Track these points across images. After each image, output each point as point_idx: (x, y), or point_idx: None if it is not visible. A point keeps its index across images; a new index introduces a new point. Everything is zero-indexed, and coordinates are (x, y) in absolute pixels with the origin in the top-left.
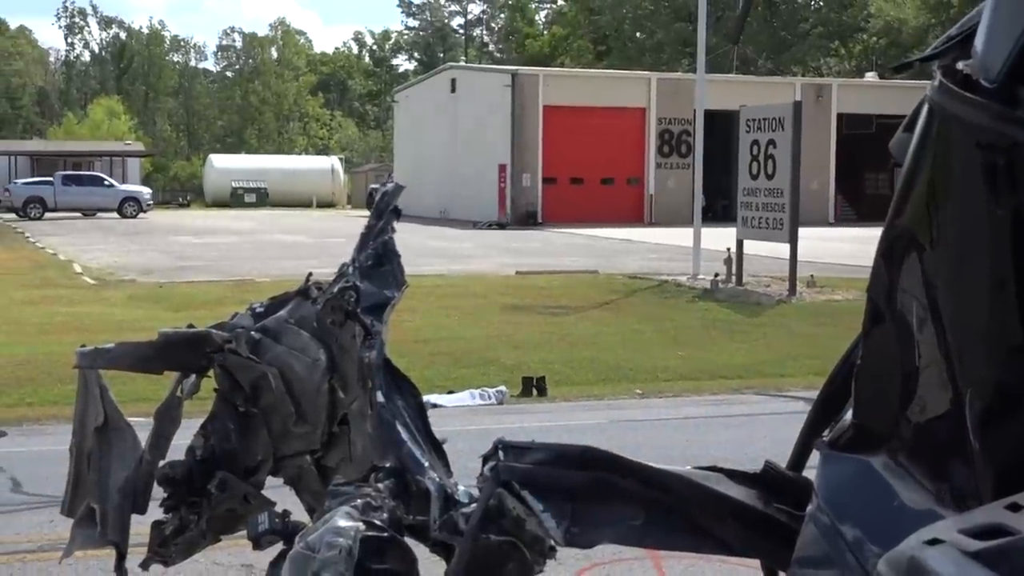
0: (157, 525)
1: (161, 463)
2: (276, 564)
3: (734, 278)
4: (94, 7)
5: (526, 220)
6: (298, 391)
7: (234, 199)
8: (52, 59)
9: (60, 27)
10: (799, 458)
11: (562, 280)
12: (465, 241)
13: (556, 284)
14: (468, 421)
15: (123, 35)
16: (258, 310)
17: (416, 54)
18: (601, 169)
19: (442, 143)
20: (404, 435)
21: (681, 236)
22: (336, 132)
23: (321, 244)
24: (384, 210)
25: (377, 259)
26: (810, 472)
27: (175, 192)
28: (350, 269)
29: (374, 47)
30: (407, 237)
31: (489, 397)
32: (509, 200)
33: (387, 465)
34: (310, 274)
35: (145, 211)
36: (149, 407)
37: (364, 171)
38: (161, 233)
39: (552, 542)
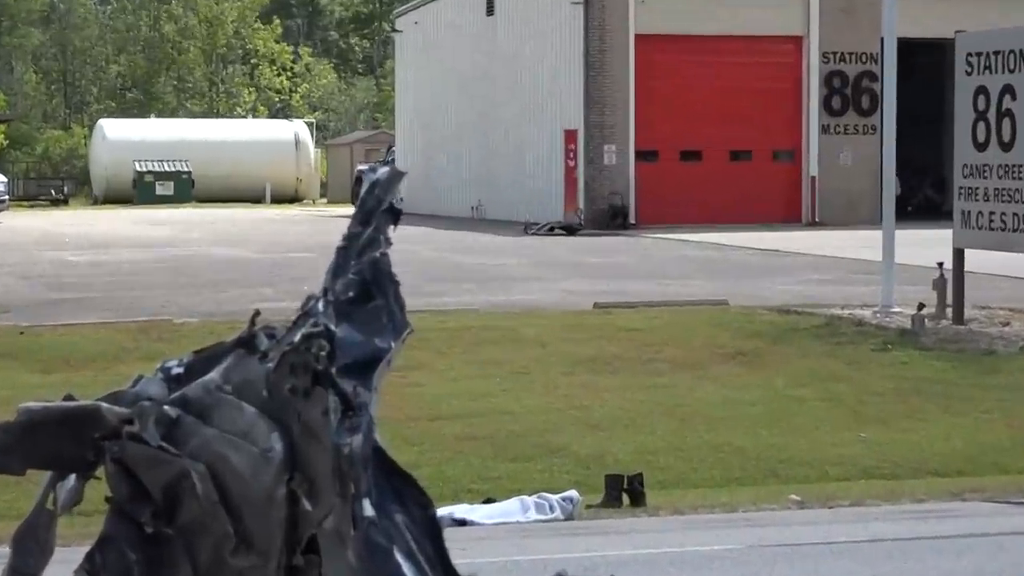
0: None
1: None
2: None
3: (949, 311)
4: None
5: (610, 220)
6: (238, 499)
7: (139, 191)
8: None
9: None
10: None
11: (669, 318)
12: (511, 255)
13: (659, 324)
14: (517, 547)
15: None
16: (176, 371)
17: None
18: (730, 137)
19: (473, 98)
20: (407, 570)
21: (861, 243)
22: (304, 81)
23: (276, 263)
24: (374, 210)
25: (363, 288)
26: None
27: (45, 181)
28: (320, 305)
29: None
30: (415, 250)
31: (551, 508)
32: (582, 188)
33: None
34: (257, 312)
35: None
36: (4, 527)
37: (347, 144)
38: (21, 247)
39: None
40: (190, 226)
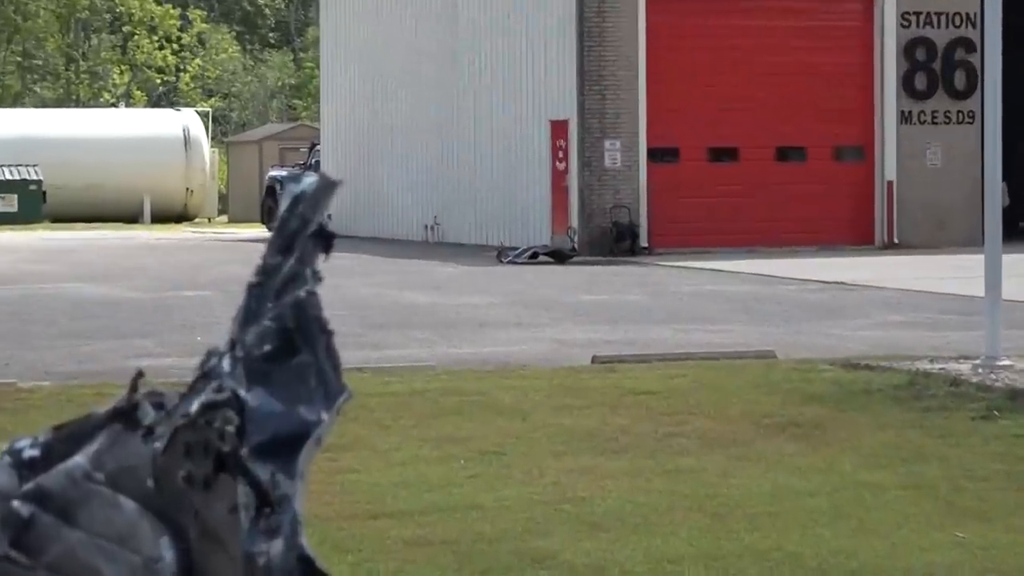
0: None
1: None
2: None
3: None
4: None
5: (614, 244)
6: None
7: None
8: None
9: None
10: None
11: (696, 376)
12: (479, 292)
13: (682, 386)
14: None
15: None
16: (28, 455)
17: None
18: (777, 129)
19: (427, 79)
20: None
21: (956, 272)
22: (196, 57)
23: (160, 305)
24: (297, 233)
25: (284, 340)
26: None
27: None
28: (226, 363)
29: None
30: (351, 287)
31: None
32: (575, 200)
33: None
34: (140, 373)
35: None
36: None
37: (255, 141)
38: None
39: None
40: (40, 255)
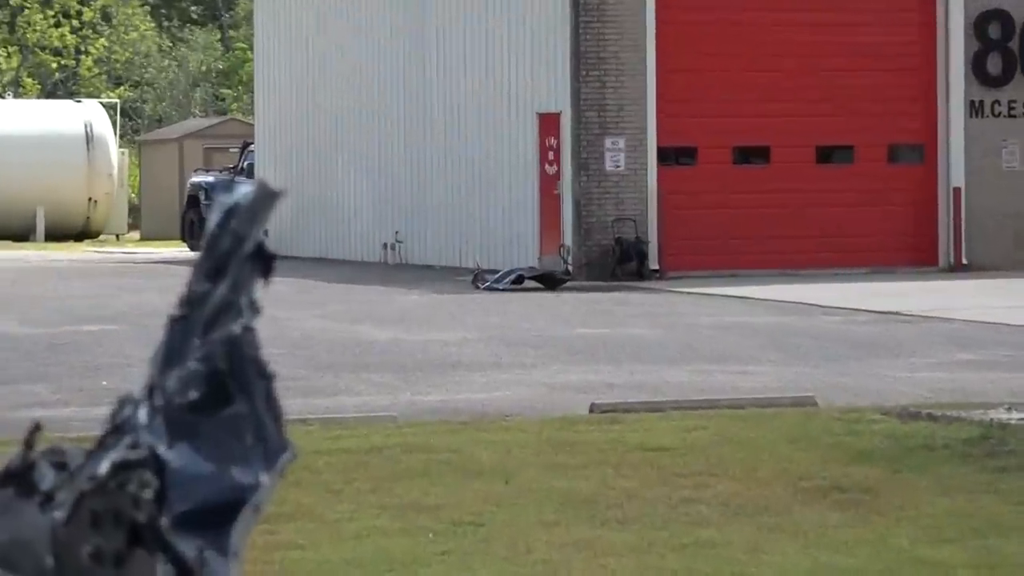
0: None
1: None
2: None
3: None
4: None
5: (616, 266)
6: None
7: None
8: None
9: None
10: None
11: (718, 429)
12: (452, 325)
13: (701, 440)
14: None
15: None
16: None
17: None
18: (818, 124)
19: (389, 65)
20: None
21: None
22: (101, 36)
23: (58, 343)
24: (231, 254)
25: (214, 386)
26: None
27: None
28: (142, 414)
29: None
30: (295, 320)
31: None
32: (569, 213)
33: None
34: (38, 427)
35: None
36: None
37: (175, 139)
38: None
39: None
40: None
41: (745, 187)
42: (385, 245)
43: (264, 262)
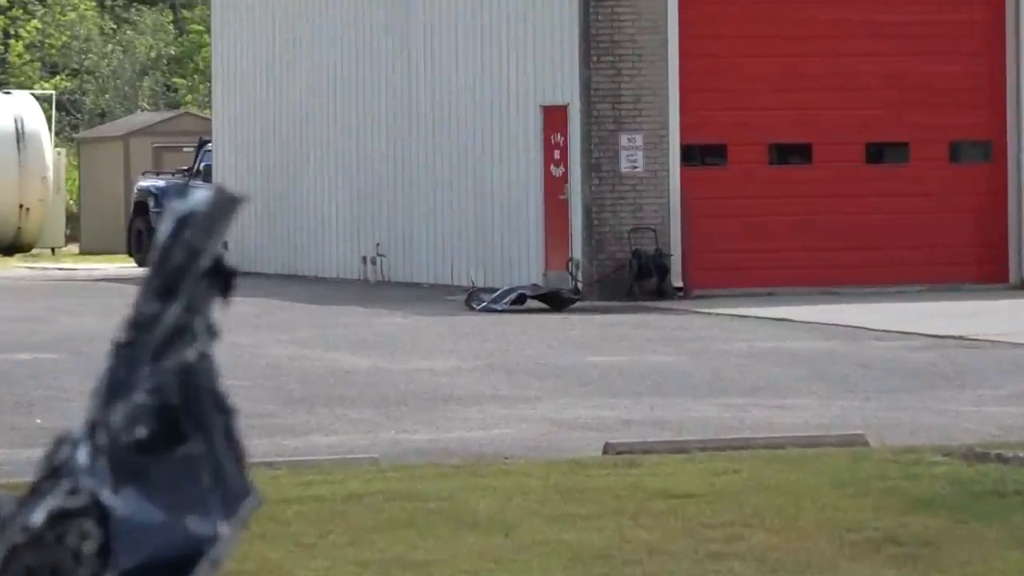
0: None
1: None
2: None
3: None
4: None
5: (634, 282)
6: None
7: None
8: None
9: None
10: None
11: (753, 472)
12: (442, 352)
13: (733, 485)
14: None
15: None
16: None
17: None
18: (867, 118)
19: (368, 50)
20: None
21: None
22: (34, 17)
23: None
24: (184, 270)
25: (164, 422)
26: None
27: None
28: (82, 455)
29: None
30: (259, 346)
31: None
32: (579, 219)
33: None
34: None
35: None
36: None
37: (119, 137)
38: None
39: None
40: None
41: (783, 191)
42: (364, 259)
43: (223, 279)
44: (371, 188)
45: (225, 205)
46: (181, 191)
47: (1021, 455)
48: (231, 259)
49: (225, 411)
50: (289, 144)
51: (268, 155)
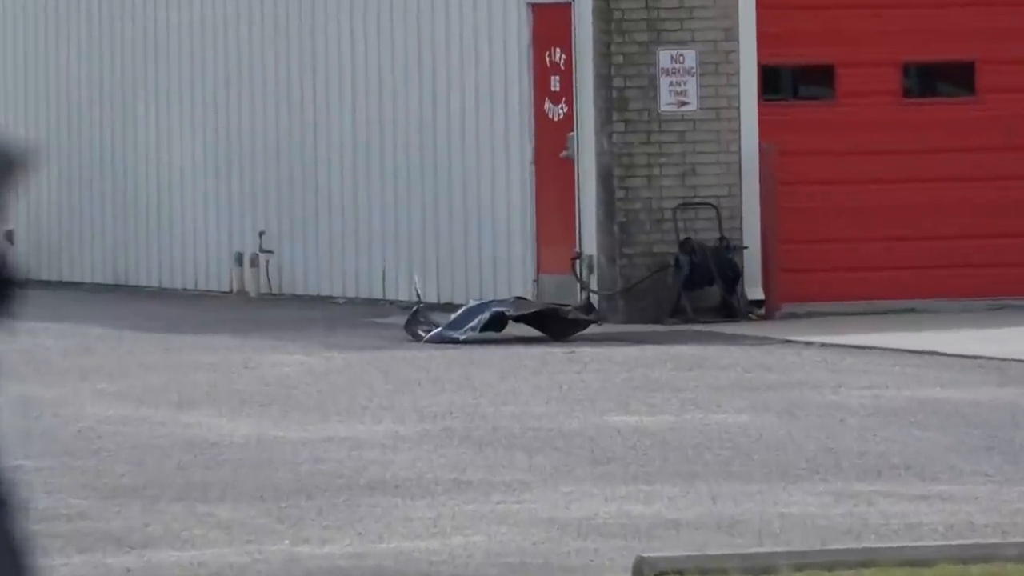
0: None
1: None
2: None
3: None
4: None
5: (682, 294)
6: None
7: None
8: None
9: None
10: None
11: None
12: (373, 410)
13: None
14: None
15: None
16: None
17: None
18: None
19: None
20: None
21: None
22: None
23: None
24: None
25: None
26: None
27: None
28: None
29: None
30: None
31: None
32: (592, 192)
33: None
34: None
35: None
36: None
37: None
38: None
39: None
40: None
41: (929, 141)
42: (240, 258)
43: (1, 290)
44: (246, 148)
45: (8, 165)
46: None
47: None
48: (18, 261)
49: (1, 502)
50: (112, 85)
51: (79, 102)
